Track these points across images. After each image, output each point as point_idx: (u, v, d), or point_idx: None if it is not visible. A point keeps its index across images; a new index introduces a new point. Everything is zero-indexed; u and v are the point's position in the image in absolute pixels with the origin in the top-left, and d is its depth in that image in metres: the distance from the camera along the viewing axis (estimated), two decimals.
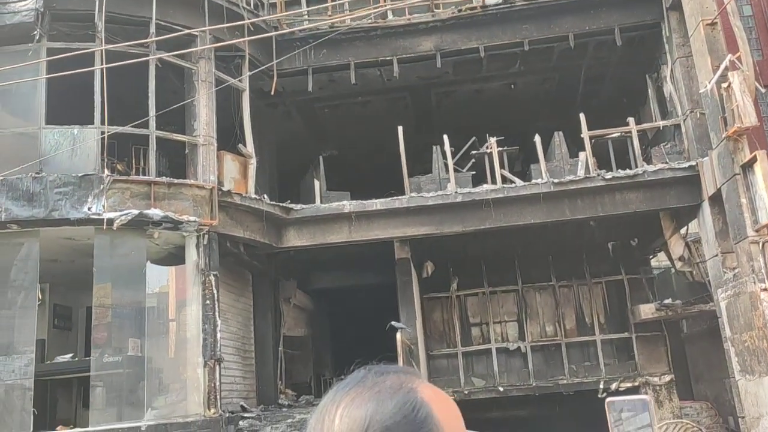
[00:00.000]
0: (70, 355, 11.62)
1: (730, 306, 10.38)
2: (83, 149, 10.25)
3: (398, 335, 10.45)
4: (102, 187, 9.85)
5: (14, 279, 10.05)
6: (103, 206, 9.77)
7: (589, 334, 14.21)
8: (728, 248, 10.64)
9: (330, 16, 12.87)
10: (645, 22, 12.44)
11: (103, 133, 10.26)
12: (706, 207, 11.17)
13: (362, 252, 12.99)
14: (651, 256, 15.38)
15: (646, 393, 13.45)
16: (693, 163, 11.35)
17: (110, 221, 9.74)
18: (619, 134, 12.64)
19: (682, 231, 12.64)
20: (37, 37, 10.32)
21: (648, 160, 12.23)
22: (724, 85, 9.87)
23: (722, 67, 9.94)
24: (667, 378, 13.53)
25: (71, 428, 9.78)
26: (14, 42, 10.53)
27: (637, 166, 11.91)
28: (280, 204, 12.09)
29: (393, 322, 11.08)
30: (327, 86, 13.73)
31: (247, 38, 11.33)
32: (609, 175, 11.66)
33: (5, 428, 9.31)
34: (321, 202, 12.39)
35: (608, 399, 1.10)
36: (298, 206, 12.20)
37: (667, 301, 13.10)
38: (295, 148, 15.72)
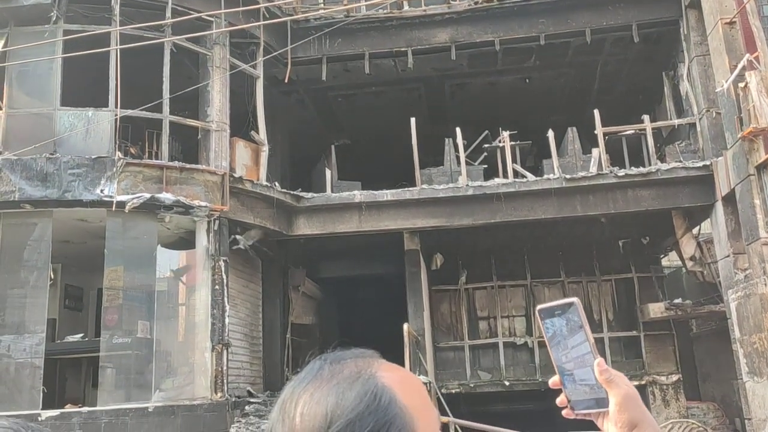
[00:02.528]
0: (81, 335, 11.74)
1: (740, 307, 10.32)
2: (97, 131, 10.32)
3: (405, 326, 10.47)
4: (115, 169, 9.92)
5: (27, 259, 10.16)
6: (116, 189, 9.84)
7: (596, 330, 14.17)
8: (740, 249, 10.56)
9: (346, 5, 12.85)
10: (663, 19, 12.32)
11: (117, 116, 10.32)
12: (719, 207, 11.08)
13: (372, 242, 13.01)
14: (662, 255, 15.30)
15: (653, 392, 13.43)
16: (707, 162, 11.26)
17: (122, 204, 9.81)
18: (633, 131, 12.55)
19: (694, 230, 12.56)
20: (54, 19, 10.38)
21: (662, 158, 12.15)
22: (741, 84, 9.77)
23: (740, 66, 9.84)
24: (675, 377, 13.50)
25: (80, 407, 9.90)
26: (31, 23, 10.60)
27: (650, 164, 11.83)
28: (291, 192, 12.13)
29: None
30: (341, 75, 13.72)
31: (262, 22, 11.34)
32: (622, 172, 11.60)
33: (15, 406, 9.44)
34: (332, 191, 12.41)
35: (538, 307, 1.09)
36: (309, 195, 12.23)
37: (677, 300, 13.04)
38: (308, 136, 15.74)
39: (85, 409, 9.63)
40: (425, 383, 10.48)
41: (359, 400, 0.81)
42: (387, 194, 12.03)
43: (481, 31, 12.76)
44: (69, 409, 9.67)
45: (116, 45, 10.27)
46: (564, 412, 1.05)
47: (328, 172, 12.71)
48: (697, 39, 11.65)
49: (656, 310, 13.06)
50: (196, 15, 10.64)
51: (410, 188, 12.11)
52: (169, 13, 10.74)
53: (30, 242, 10.20)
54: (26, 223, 10.17)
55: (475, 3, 12.63)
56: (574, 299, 1.05)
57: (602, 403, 1.01)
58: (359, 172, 13.67)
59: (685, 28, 11.94)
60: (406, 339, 10.14)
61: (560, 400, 1.05)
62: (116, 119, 10.32)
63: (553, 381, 1.06)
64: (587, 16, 12.49)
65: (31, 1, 10.34)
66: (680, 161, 11.58)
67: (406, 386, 0.86)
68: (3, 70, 10.40)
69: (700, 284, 13.32)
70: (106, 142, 10.23)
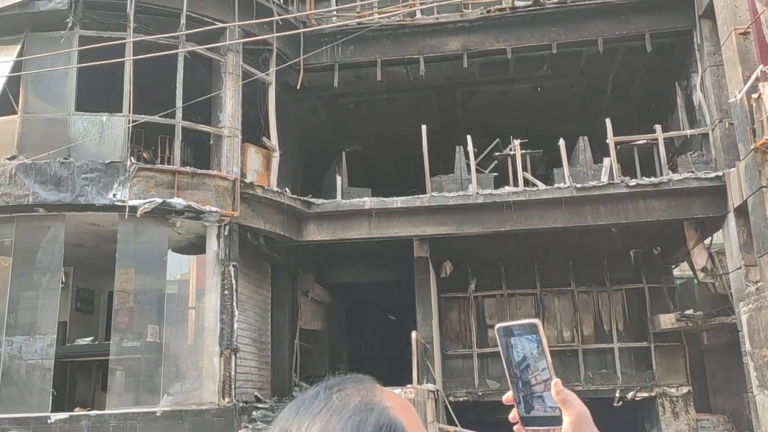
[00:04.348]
0: (91, 338, 11.83)
1: (751, 320, 10.23)
2: (111, 136, 10.41)
3: (414, 334, 10.47)
4: (127, 174, 10.01)
5: (40, 261, 10.26)
6: (128, 193, 9.93)
7: (606, 341, 14.10)
8: (752, 261, 10.48)
9: (359, 13, 12.91)
10: (676, 29, 12.28)
11: (130, 121, 10.41)
12: (731, 218, 11.01)
13: (381, 249, 13.02)
14: (673, 266, 15.20)
15: (663, 404, 13.33)
16: (719, 173, 11.19)
17: (134, 208, 9.89)
18: (645, 141, 12.50)
19: (706, 242, 12.48)
20: (70, 25, 10.50)
21: (674, 168, 12.09)
22: (755, 95, 9.71)
23: (753, 77, 9.78)
24: (685, 390, 13.39)
25: (89, 410, 9.96)
26: (48, 29, 10.73)
27: (662, 174, 11.77)
28: (302, 198, 12.17)
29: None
30: (353, 82, 13.77)
31: (275, 34, 11.42)
32: (633, 182, 11.55)
33: (25, 407, 9.52)
34: (342, 198, 12.45)
35: (497, 325, 1.12)
36: (319, 201, 12.27)
37: (688, 311, 12.95)
38: (319, 142, 15.80)
39: (94, 412, 9.69)
40: (433, 391, 10.47)
41: None
42: (397, 201, 12.05)
43: (493, 39, 12.78)
44: (78, 412, 9.74)
45: (131, 51, 10.37)
46: (515, 428, 1.09)
47: (338, 179, 12.75)
48: (711, 49, 11.60)
49: (667, 321, 12.98)
50: (215, 27, 10.71)
51: (420, 195, 12.11)
52: (183, 20, 10.83)
53: (43, 245, 10.30)
54: (39, 226, 10.28)
55: (488, 11, 12.65)
56: (536, 320, 1.08)
57: (556, 421, 1.05)
58: (369, 179, 13.70)
59: (699, 38, 11.89)
60: (414, 346, 10.13)
61: (512, 416, 1.08)
62: (129, 125, 10.41)
63: (507, 397, 1.09)
64: (600, 25, 12.47)
65: (47, 7, 10.47)
66: (692, 172, 11.52)
67: (407, 415, 0.91)
68: (19, 75, 10.52)
69: (712, 296, 13.23)
70: (119, 147, 10.32)
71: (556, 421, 1.04)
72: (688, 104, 12.93)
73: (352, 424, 0.85)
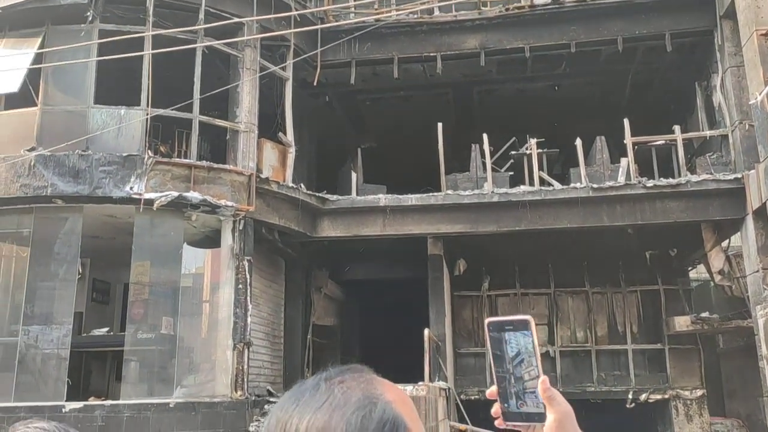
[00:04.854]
0: (106, 329, 11.94)
1: (767, 324, 10.12)
2: (128, 130, 10.50)
3: (426, 331, 10.47)
4: (144, 168, 10.09)
5: (57, 252, 10.37)
6: (145, 187, 10.01)
7: (620, 342, 14.01)
8: None
9: (376, 9, 12.90)
10: (697, 29, 12.15)
11: (148, 115, 10.49)
12: (749, 221, 10.88)
13: (395, 246, 13.02)
14: (690, 268, 15.06)
15: (677, 406, 13.22)
16: (739, 175, 11.06)
17: (150, 202, 9.97)
18: (663, 142, 12.38)
19: (724, 244, 12.34)
20: (90, 19, 10.59)
21: (692, 169, 11.97)
22: None
23: None
24: (699, 393, 13.27)
25: (103, 400, 10.07)
26: (68, 22, 10.83)
27: (680, 175, 11.66)
28: (317, 194, 12.20)
29: None
30: (370, 79, 13.77)
31: (292, 30, 11.44)
32: (650, 183, 11.45)
33: (40, 396, 9.64)
34: (357, 195, 12.46)
35: (488, 319, 1.11)
36: (334, 197, 12.29)
37: (704, 314, 12.83)
38: (335, 138, 15.82)
39: (108, 402, 9.79)
40: (444, 389, 10.47)
41: (381, 428, 0.85)
42: (412, 199, 12.04)
43: (511, 37, 12.71)
44: (92, 401, 9.84)
45: (150, 46, 10.44)
46: (497, 422, 1.09)
47: (353, 175, 12.76)
48: (732, 50, 11.46)
49: (682, 323, 12.87)
50: (232, 21, 10.76)
51: (435, 193, 12.10)
52: (202, 15, 10.89)
53: (60, 236, 10.41)
54: (57, 217, 10.39)
55: (506, 9, 12.59)
56: (528, 316, 1.08)
57: (539, 417, 1.06)
58: (384, 176, 13.69)
59: (720, 38, 11.75)
60: (426, 344, 10.13)
61: (495, 411, 1.09)
62: (147, 118, 10.48)
63: (490, 392, 1.09)
64: (619, 24, 12.37)
65: (68, 1, 10.57)
66: (711, 173, 11.40)
67: (408, 409, 0.91)
68: (39, 68, 10.64)
69: (728, 299, 13.09)
70: (137, 141, 10.40)
71: (540, 417, 1.06)
72: (707, 105, 12.79)
73: (356, 420, 0.85)
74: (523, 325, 1.08)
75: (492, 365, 1.10)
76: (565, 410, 1.05)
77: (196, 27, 10.71)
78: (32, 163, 10.00)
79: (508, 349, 1.08)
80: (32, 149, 10.16)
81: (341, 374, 0.93)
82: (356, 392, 0.89)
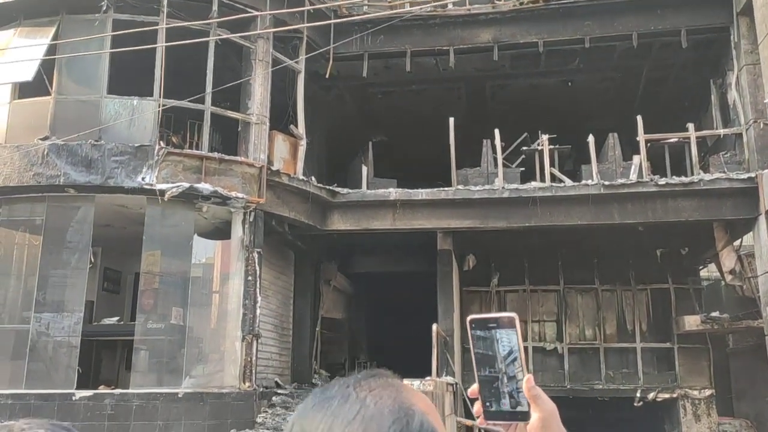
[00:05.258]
0: (117, 318, 12.03)
1: None
2: (141, 120, 10.54)
3: (434, 326, 10.46)
4: (156, 158, 10.13)
5: (69, 240, 10.45)
6: (156, 177, 10.05)
7: (629, 340, 13.95)
8: None
9: (390, 2, 12.86)
10: (713, 26, 12.03)
11: (160, 106, 10.52)
12: (762, 221, 10.79)
13: (404, 240, 13.02)
14: (701, 267, 14.96)
15: (685, 406, 13.17)
16: (752, 174, 10.97)
17: (162, 192, 10.02)
18: (677, 139, 12.29)
19: (736, 243, 12.25)
20: (105, 8, 10.62)
21: (705, 168, 11.87)
22: None
23: None
24: (707, 392, 13.20)
25: (112, 389, 10.15)
26: (83, 11, 10.88)
27: (693, 174, 11.57)
28: (327, 187, 12.21)
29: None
30: (382, 72, 13.74)
31: (305, 24, 11.42)
32: (663, 181, 11.37)
33: (51, 384, 9.73)
34: (367, 188, 12.45)
35: (470, 317, 1.09)
36: (344, 190, 12.30)
37: (714, 314, 12.75)
38: (346, 131, 15.81)
39: (118, 391, 9.87)
40: (452, 384, 10.47)
41: None
42: (422, 193, 12.02)
43: (524, 31, 12.64)
44: (102, 390, 9.92)
45: (163, 36, 10.46)
46: (478, 421, 1.08)
47: (364, 169, 12.75)
48: (748, 47, 11.34)
49: (692, 322, 12.79)
50: (246, 15, 10.75)
51: (446, 188, 12.07)
52: (215, 6, 10.90)
53: (72, 224, 10.48)
54: (70, 206, 10.46)
55: (520, 3, 12.51)
56: (514, 314, 1.06)
57: (522, 416, 1.05)
58: (395, 170, 13.69)
59: (736, 35, 11.63)
60: (434, 339, 10.13)
61: (476, 410, 1.08)
62: (159, 109, 10.51)
63: (472, 390, 1.08)
64: (635, 19, 12.26)
65: None
66: (724, 172, 11.30)
67: (437, 417, 0.90)
68: (53, 56, 10.69)
69: (739, 298, 13.01)
70: (149, 131, 10.44)
71: (524, 416, 1.04)
72: (722, 103, 12.67)
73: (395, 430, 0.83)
74: (510, 322, 1.05)
75: (475, 364, 1.08)
76: (550, 409, 1.04)
77: (210, 21, 10.70)
78: (45, 152, 10.07)
79: (500, 347, 1.06)
80: (45, 138, 10.23)
81: (368, 381, 0.90)
82: (388, 402, 0.86)
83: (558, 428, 1.04)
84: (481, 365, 1.07)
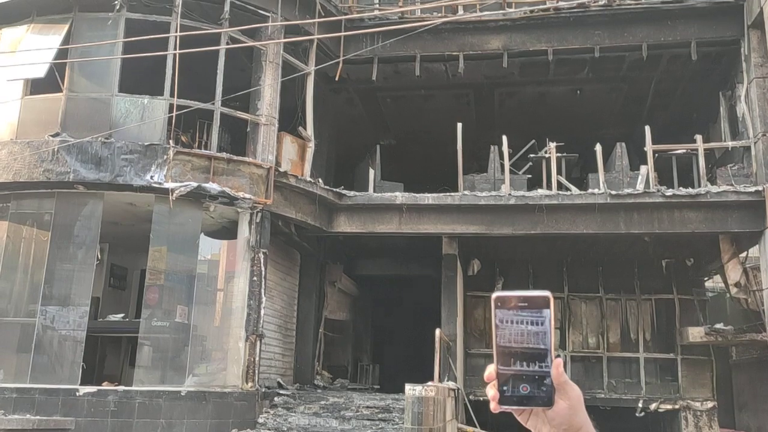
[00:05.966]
0: (122, 315, 12.10)
1: None
2: (151, 119, 10.61)
3: (437, 331, 10.49)
4: (165, 157, 10.20)
5: (77, 236, 10.52)
6: (165, 176, 10.12)
7: (632, 350, 13.95)
8: None
9: (401, 6, 12.91)
10: (723, 38, 12.02)
11: (171, 105, 10.58)
12: None
13: (410, 244, 13.06)
14: (706, 278, 14.95)
15: (686, 417, 13.15)
16: (759, 188, 10.96)
17: (170, 191, 10.08)
18: (684, 151, 12.28)
19: (741, 256, 12.24)
20: (118, 7, 10.71)
21: (712, 180, 11.87)
22: None
23: None
24: (710, 404, 13.18)
25: (116, 386, 10.21)
26: (96, 9, 10.97)
27: (700, 186, 11.57)
28: (334, 189, 12.26)
29: None
30: (391, 77, 13.78)
31: (316, 21, 11.48)
32: (669, 192, 11.37)
33: (56, 378, 9.80)
34: (374, 191, 12.50)
35: (495, 294, 0.99)
36: (351, 193, 12.34)
37: (718, 326, 12.73)
38: (354, 134, 15.86)
39: (121, 388, 9.92)
40: (453, 389, 10.49)
41: None
42: (428, 198, 12.06)
43: (534, 39, 12.66)
44: (106, 387, 9.98)
45: (177, 38, 10.53)
46: (492, 407, 1.04)
47: (371, 172, 12.79)
48: (758, 60, 11.34)
49: (696, 334, 12.78)
50: (258, 25, 10.82)
51: (452, 193, 12.10)
52: (227, 7, 10.97)
53: (80, 220, 10.55)
54: (78, 203, 10.54)
55: (531, 11, 12.54)
56: (547, 292, 1.00)
57: (543, 402, 1.00)
58: (402, 174, 13.72)
59: (746, 48, 11.62)
60: (437, 344, 10.15)
61: (492, 394, 1.03)
62: (170, 108, 10.58)
63: (489, 374, 1.03)
64: (645, 30, 12.27)
65: None
66: (731, 185, 11.29)
67: None
68: (65, 53, 10.77)
69: (744, 311, 12.98)
70: (159, 130, 10.51)
71: (547, 401, 0.99)
72: (731, 115, 12.65)
73: None
74: (544, 302, 0.98)
75: (495, 346, 1.01)
76: (577, 395, 1.02)
77: (220, 29, 10.77)
78: (56, 149, 10.15)
79: (527, 328, 0.99)
80: (56, 135, 10.31)
81: None
82: None
83: (584, 415, 1.03)
84: (503, 348, 1.00)
